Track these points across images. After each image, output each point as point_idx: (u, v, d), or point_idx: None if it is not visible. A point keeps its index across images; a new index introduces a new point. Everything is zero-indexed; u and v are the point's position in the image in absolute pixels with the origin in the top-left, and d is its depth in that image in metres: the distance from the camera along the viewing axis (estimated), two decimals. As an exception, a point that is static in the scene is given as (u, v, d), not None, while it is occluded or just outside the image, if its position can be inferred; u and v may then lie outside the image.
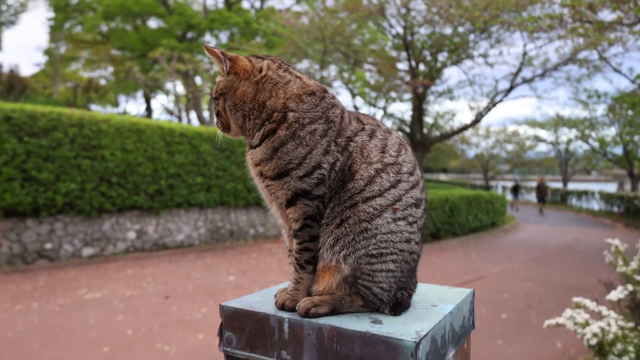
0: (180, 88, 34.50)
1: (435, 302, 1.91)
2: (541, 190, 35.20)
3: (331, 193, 1.77)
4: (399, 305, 1.75)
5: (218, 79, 1.87)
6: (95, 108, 43.94)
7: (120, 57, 41.84)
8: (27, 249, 12.20)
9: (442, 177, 73.10)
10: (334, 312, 1.72)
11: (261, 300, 1.88)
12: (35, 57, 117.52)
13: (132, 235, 14.25)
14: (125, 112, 48.30)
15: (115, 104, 50.98)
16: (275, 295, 1.84)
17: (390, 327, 1.58)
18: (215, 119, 1.95)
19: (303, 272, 1.80)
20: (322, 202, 1.77)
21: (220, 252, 15.08)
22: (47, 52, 45.21)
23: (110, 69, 45.06)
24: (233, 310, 1.77)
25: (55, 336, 7.19)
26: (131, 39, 37.76)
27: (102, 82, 45.80)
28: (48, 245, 12.50)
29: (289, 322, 1.66)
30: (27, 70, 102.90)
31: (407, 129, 31.77)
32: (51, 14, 40.47)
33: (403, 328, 1.57)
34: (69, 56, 44.08)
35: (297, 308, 1.71)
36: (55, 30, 40.19)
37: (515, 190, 40.27)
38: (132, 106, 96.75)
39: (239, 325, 1.75)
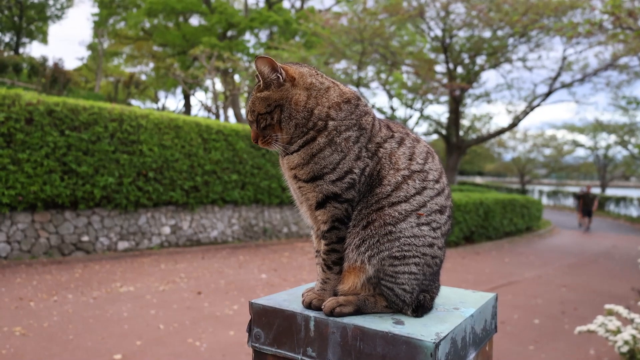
0: (218, 85, 34.72)
1: (457, 305, 1.94)
2: (587, 202, 28.67)
3: (359, 197, 1.81)
4: (421, 307, 1.79)
5: (263, 94, 1.82)
6: (135, 103, 44.57)
7: (161, 54, 42.40)
8: (64, 241, 12.41)
9: (478, 179, 72.67)
10: (358, 312, 1.75)
11: (289, 298, 1.93)
12: (79, 52, 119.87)
13: (166, 230, 14.41)
14: (164, 108, 48.98)
15: (155, 100, 51.57)
16: (302, 294, 1.88)
17: (411, 328, 1.62)
18: (254, 130, 1.87)
19: (330, 272, 1.84)
20: (350, 205, 1.80)
21: (253, 250, 15.14)
22: (91, 46, 46.19)
23: (151, 65, 45.78)
24: (262, 308, 1.82)
25: (89, 328, 7.30)
26: (173, 36, 38.31)
27: (143, 77, 46.45)
28: (85, 238, 12.70)
29: (315, 320, 1.70)
30: (70, 64, 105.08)
31: (443, 131, 31.69)
32: (96, 10, 41.37)
33: (424, 329, 1.61)
34: (112, 51, 44.92)
35: (323, 307, 1.75)
36: (99, 26, 40.96)
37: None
38: (171, 102, 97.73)
39: (267, 322, 1.80)
